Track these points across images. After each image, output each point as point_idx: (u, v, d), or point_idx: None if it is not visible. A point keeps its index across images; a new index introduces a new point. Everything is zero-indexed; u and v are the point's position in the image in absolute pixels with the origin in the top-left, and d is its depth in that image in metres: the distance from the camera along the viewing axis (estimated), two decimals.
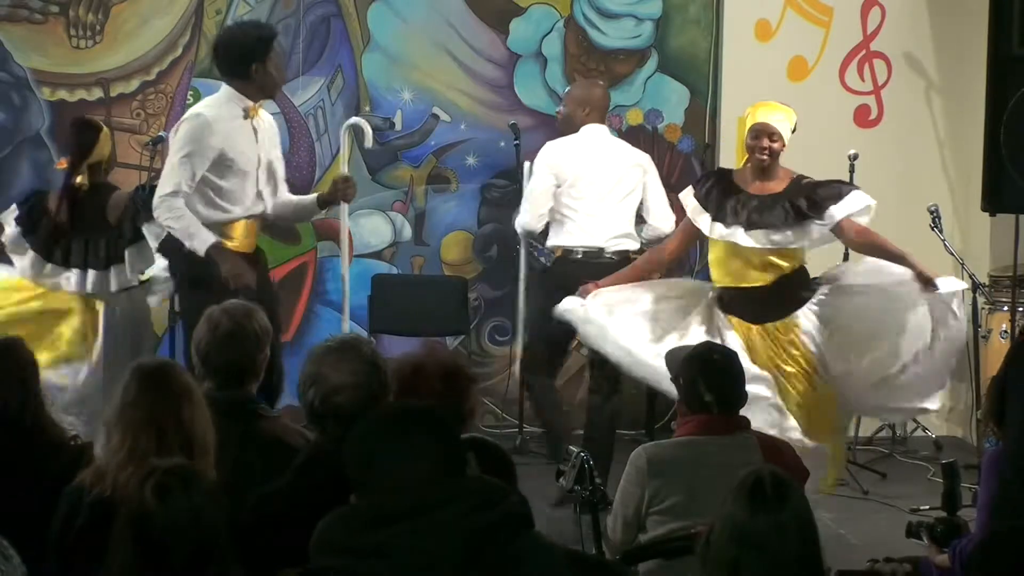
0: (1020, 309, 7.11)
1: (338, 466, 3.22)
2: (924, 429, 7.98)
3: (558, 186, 6.50)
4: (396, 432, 2.65)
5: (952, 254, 7.21)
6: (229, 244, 5.60)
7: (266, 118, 5.89)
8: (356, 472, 2.65)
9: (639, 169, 6.67)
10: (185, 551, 2.72)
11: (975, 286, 7.13)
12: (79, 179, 6.21)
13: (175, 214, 5.53)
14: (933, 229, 7.13)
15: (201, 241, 5.48)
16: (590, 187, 6.51)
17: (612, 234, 6.54)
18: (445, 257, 8.06)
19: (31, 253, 6.19)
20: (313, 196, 6.19)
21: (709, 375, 4.10)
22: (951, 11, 8.06)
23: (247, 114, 5.69)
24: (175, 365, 3.53)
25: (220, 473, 3.29)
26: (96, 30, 7.74)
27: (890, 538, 5.20)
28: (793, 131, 5.91)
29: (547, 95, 8.03)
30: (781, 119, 5.86)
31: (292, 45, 7.87)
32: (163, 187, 5.60)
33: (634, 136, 8.08)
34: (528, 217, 6.61)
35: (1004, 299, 7.34)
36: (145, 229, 5.98)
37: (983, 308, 7.34)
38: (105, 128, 6.45)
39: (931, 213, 7.14)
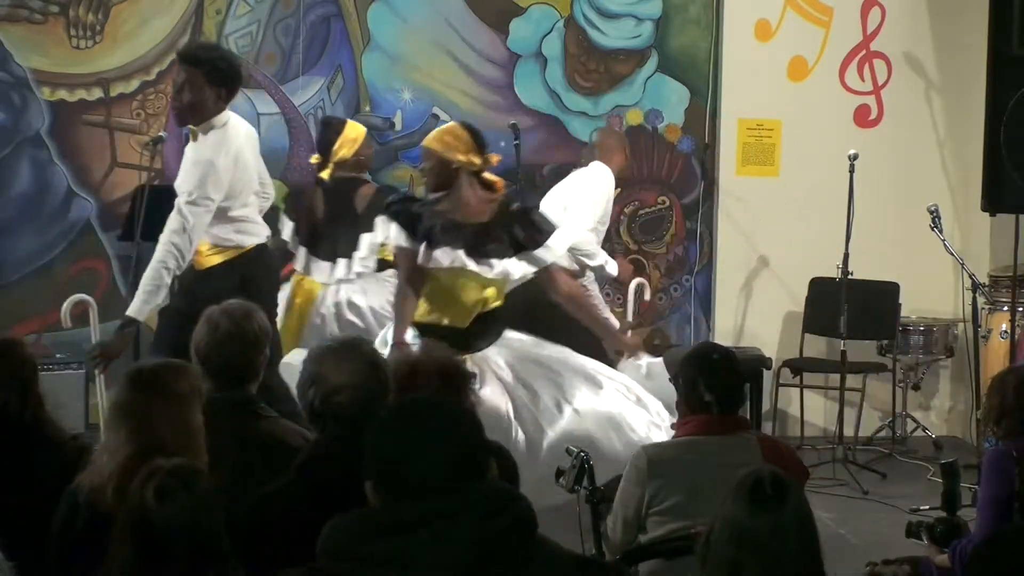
0: (1020, 309, 7.11)
1: (338, 466, 3.22)
2: (924, 429, 7.98)
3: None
4: (417, 427, 2.64)
5: (952, 254, 7.21)
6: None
7: (193, 148, 5.53)
8: (373, 463, 2.64)
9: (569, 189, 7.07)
10: (185, 552, 2.72)
11: (975, 286, 7.14)
12: (324, 173, 6.43)
13: None
14: (933, 229, 7.13)
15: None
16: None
17: None
18: None
19: (302, 249, 6.47)
20: None
21: (709, 375, 4.09)
22: (951, 11, 8.07)
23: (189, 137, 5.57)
24: (170, 368, 3.50)
25: (220, 473, 3.29)
26: (96, 30, 7.74)
27: (890, 538, 5.20)
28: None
29: (547, 95, 8.03)
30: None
31: (292, 45, 7.87)
32: None
33: (634, 136, 8.09)
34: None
35: (1004, 299, 7.34)
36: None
37: (983, 308, 7.35)
38: (349, 124, 6.61)
39: (931, 213, 7.14)
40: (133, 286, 6.59)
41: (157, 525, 2.72)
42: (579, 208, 6.85)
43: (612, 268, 7.02)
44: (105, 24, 7.74)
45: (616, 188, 7.11)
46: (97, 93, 7.76)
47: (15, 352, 3.89)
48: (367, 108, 7.96)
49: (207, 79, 5.41)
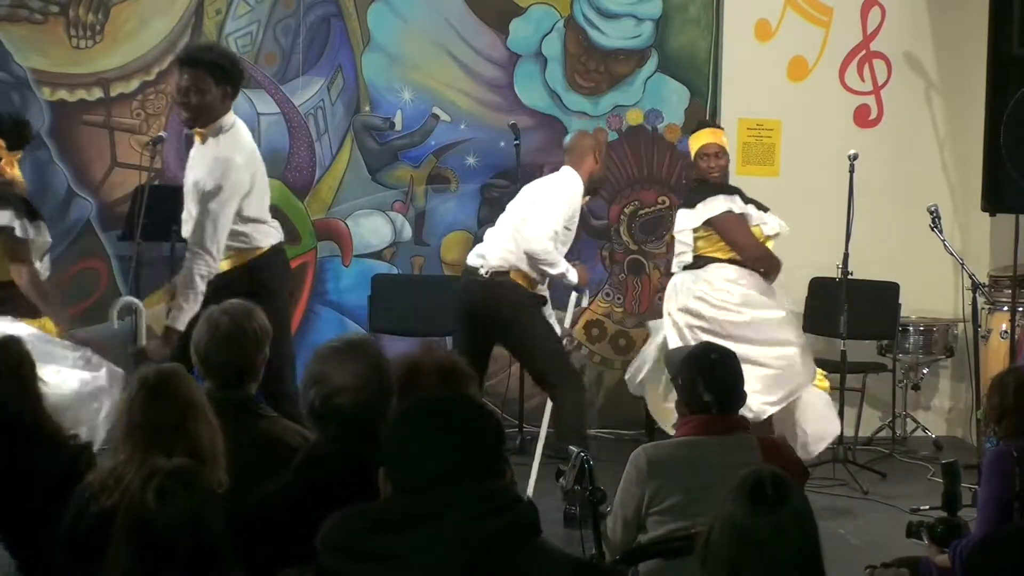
0: (1020, 309, 7.11)
1: (337, 467, 3.22)
2: (924, 429, 7.98)
3: None
4: (430, 421, 2.63)
5: (952, 254, 7.21)
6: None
7: (210, 147, 5.54)
8: (387, 452, 2.64)
9: (533, 192, 6.51)
10: (185, 552, 2.72)
11: (975, 286, 7.14)
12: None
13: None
14: (933, 229, 7.13)
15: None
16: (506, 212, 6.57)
17: (492, 255, 6.37)
18: (445, 257, 8.06)
19: None
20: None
21: (708, 375, 4.09)
22: (951, 11, 8.07)
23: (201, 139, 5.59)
24: (178, 374, 3.50)
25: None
26: (96, 30, 7.74)
27: (890, 538, 5.20)
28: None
29: (547, 95, 8.04)
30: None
31: (292, 45, 7.87)
32: None
33: (634, 136, 8.10)
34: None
35: (1004, 299, 7.34)
36: None
37: (983, 308, 7.35)
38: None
39: (931, 213, 7.14)
40: (134, 286, 6.62)
41: (157, 526, 2.72)
42: (545, 208, 6.39)
43: (572, 276, 6.45)
44: (105, 24, 7.74)
45: (585, 196, 6.56)
46: (97, 93, 7.76)
47: (14, 351, 3.89)
48: (367, 108, 7.96)
49: (214, 79, 5.45)
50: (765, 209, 6.81)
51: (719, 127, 6.87)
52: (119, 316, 5.59)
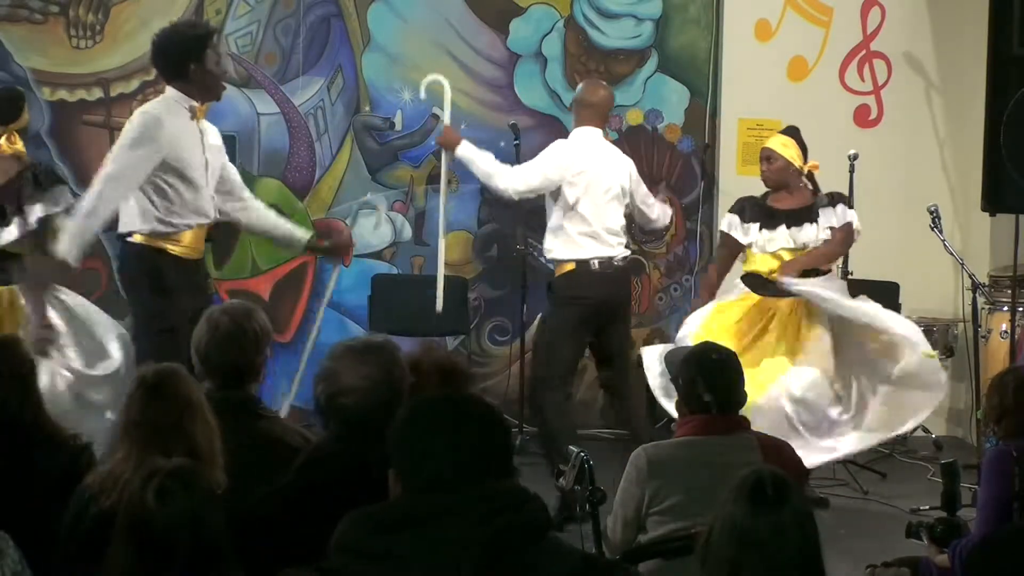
0: (1020, 309, 7.11)
1: (338, 467, 3.23)
2: (924, 429, 7.97)
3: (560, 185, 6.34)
4: (439, 421, 2.63)
5: (952, 254, 7.21)
6: (175, 250, 5.42)
7: (208, 125, 5.57)
8: (394, 452, 2.64)
9: (628, 174, 6.57)
10: (185, 553, 2.72)
11: (975, 286, 7.14)
12: None
13: (96, 204, 5.31)
14: (933, 229, 7.13)
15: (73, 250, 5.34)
16: (597, 194, 6.37)
17: (618, 241, 6.47)
18: (445, 257, 8.04)
19: None
20: (305, 236, 5.91)
21: (708, 375, 4.09)
22: (951, 11, 8.07)
23: (193, 114, 5.44)
24: (176, 374, 3.51)
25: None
26: (96, 30, 7.74)
27: (890, 538, 5.19)
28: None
29: (547, 95, 8.04)
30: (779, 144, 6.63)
31: (292, 45, 7.87)
32: (106, 167, 5.35)
33: (634, 136, 8.09)
34: (519, 183, 6.37)
35: (1004, 299, 7.34)
36: None
37: (983, 308, 7.35)
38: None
39: (931, 213, 7.14)
40: None
41: (157, 526, 2.72)
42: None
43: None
44: (105, 24, 7.74)
45: None
46: (97, 93, 7.76)
47: (14, 351, 3.89)
48: (367, 108, 7.96)
49: None
50: (803, 222, 6.54)
51: (784, 133, 6.71)
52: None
